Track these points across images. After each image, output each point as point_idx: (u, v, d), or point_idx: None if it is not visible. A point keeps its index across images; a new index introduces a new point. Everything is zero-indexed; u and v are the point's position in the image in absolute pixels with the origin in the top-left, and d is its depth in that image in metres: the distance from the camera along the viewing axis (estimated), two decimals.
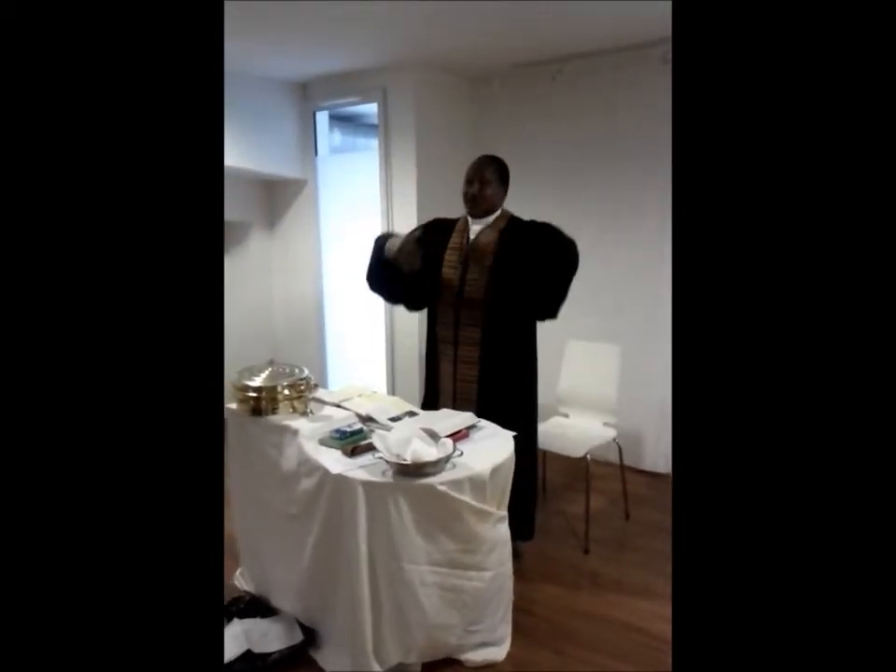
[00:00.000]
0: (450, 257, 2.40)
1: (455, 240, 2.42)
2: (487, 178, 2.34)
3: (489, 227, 2.37)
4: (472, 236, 2.38)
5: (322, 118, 4.12)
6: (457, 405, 2.34)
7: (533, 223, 2.36)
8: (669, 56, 3.08)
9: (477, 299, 2.31)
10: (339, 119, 4.58)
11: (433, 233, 2.44)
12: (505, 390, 2.34)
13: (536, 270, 2.22)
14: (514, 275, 2.25)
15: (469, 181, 2.36)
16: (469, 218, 2.41)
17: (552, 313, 2.29)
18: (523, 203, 3.77)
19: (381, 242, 2.39)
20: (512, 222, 2.38)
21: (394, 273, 2.33)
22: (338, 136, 4.68)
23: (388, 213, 3.78)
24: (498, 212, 2.40)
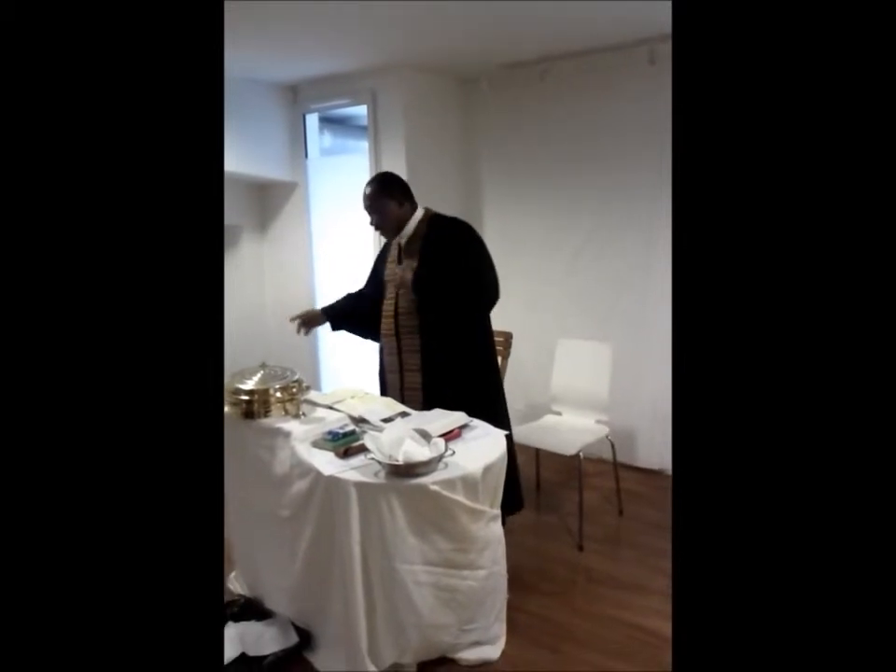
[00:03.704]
0: (389, 268, 2.45)
1: (392, 252, 2.46)
2: (377, 206, 2.31)
3: (412, 235, 2.37)
4: (403, 243, 2.39)
5: (312, 120, 4.11)
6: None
7: (453, 222, 2.39)
8: (656, 56, 3.09)
9: (412, 309, 2.33)
10: (329, 122, 4.58)
11: (383, 253, 2.55)
12: (453, 390, 2.30)
13: (452, 267, 2.27)
14: (437, 273, 2.27)
15: (367, 213, 2.36)
16: None
17: (479, 304, 2.34)
18: (511, 201, 3.77)
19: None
20: (434, 223, 2.38)
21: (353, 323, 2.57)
22: (328, 138, 4.68)
23: None
24: (418, 215, 2.38)
